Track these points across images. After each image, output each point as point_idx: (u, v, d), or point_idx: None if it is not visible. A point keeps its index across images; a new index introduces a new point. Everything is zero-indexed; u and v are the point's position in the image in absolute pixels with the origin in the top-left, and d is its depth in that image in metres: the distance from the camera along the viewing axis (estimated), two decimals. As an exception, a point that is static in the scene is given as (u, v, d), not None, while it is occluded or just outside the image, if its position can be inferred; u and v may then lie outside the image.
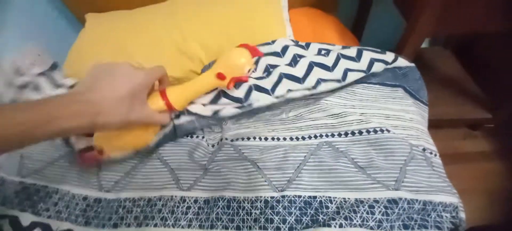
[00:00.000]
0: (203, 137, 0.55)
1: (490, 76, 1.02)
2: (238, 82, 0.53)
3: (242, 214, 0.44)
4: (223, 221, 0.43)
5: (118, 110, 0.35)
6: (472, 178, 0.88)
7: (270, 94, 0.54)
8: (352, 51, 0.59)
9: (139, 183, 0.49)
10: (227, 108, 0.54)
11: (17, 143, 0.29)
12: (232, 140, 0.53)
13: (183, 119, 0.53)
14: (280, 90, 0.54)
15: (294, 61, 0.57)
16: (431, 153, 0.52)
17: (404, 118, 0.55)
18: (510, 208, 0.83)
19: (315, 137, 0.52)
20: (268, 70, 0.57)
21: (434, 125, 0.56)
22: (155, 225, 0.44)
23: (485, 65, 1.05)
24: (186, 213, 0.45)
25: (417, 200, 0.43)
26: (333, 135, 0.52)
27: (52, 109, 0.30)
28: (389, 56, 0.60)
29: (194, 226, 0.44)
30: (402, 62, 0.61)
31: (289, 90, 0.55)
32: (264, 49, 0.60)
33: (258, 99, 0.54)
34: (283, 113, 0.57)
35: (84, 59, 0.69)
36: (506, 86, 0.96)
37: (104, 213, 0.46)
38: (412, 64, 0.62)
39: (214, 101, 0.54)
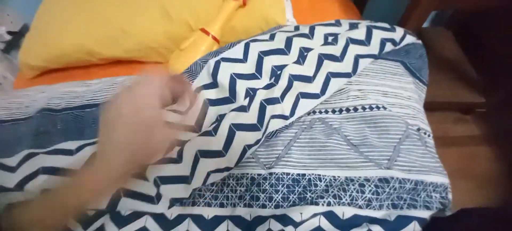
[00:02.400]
0: None
1: (487, 60, 1.00)
2: None
3: (226, 191, 0.42)
4: (206, 198, 0.41)
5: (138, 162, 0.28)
6: (460, 161, 0.89)
7: (286, 119, 0.45)
8: (361, 33, 0.53)
9: None
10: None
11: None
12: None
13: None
14: (295, 109, 0.46)
15: (302, 56, 0.50)
16: (425, 133, 0.50)
17: (402, 95, 0.52)
18: (496, 191, 0.85)
19: (309, 113, 0.49)
20: (276, 73, 0.48)
21: (428, 107, 0.54)
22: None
23: (482, 48, 1.03)
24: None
25: (408, 179, 0.41)
26: (327, 111, 0.49)
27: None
28: (398, 33, 0.56)
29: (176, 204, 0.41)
30: (409, 39, 0.57)
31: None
32: (263, 46, 0.50)
33: (273, 126, 0.45)
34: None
35: (53, 19, 0.62)
36: (501, 69, 0.94)
37: None
38: (419, 41, 0.59)
39: None
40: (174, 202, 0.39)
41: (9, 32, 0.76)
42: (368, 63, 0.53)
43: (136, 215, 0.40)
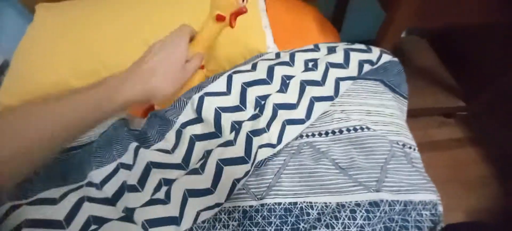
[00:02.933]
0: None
1: (464, 66, 1.05)
2: (239, 15, 0.49)
3: (218, 227, 0.41)
4: (197, 236, 0.40)
5: (171, 79, 0.40)
6: (446, 166, 0.91)
7: (274, 147, 0.46)
8: (339, 56, 0.55)
9: None
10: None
11: (92, 121, 0.34)
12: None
13: None
14: (282, 136, 0.47)
15: (284, 84, 0.50)
16: (410, 148, 0.51)
17: (384, 113, 0.54)
18: (482, 193, 0.88)
19: (296, 138, 0.50)
20: (260, 103, 0.48)
21: (411, 114, 0.57)
22: None
23: (459, 55, 1.08)
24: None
25: (398, 201, 0.42)
26: (313, 135, 0.50)
27: (112, 83, 0.36)
28: (374, 53, 0.58)
29: None
30: (386, 58, 0.59)
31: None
32: (245, 77, 0.50)
33: (262, 155, 0.45)
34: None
35: (34, 56, 0.61)
36: (479, 76, 0.99)
37: None
38: (395, 59, 0.61)
39: None
40: None
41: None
42: (349, 85, 0.54)
43: None
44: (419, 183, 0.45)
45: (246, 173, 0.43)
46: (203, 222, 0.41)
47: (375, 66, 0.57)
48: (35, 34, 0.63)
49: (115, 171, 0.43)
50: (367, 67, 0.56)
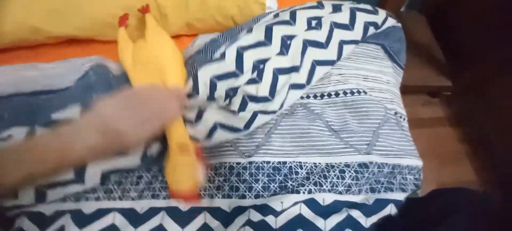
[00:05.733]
0: None
1: (454, 43, 1.05)
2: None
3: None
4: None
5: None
6: (426, 142, 0.94)
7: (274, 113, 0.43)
8: (344, 16, 0.50)
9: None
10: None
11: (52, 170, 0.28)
12: None
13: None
14: (284, 102, 0.43)
15: (285, 46, 0.44)
16: (401, 117, 0.51)
17: (381, 80, 0.52)
18: (458, 169, 0.93)
19: None
20: (258, 68, 0.42)
21: (400, 91, 0.56)
22: (97, 198, 0.37)
23: (452, 35, 1.08)
24: (137, 184, 0.39)
25: (386, 164, 0.42)
26: (309, 97, 0.48)
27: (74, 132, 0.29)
28: (380, 16, 0.54)
29: (146, 197, 0.38)
30: (390, 22, 0.56)
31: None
32: (243, 42, 0.43)
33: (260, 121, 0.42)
34: None
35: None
36: (467, 54, 1.00)
37: None
38: (399, 24, 0.58)
39: None
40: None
41: None
42: (351, 49, 0.51)
43: (102, 212, 0.36)
44: (407, 148, 0.45)
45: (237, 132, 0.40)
46: None
47: (379, 29, 0.54)
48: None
49: None
50: (371, 31, 0.52)
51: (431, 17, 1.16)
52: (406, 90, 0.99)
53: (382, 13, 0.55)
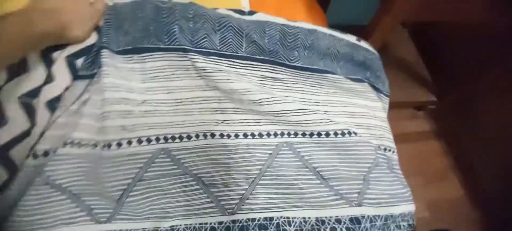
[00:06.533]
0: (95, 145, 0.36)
1: (441, 61, 1.07)
2: None
3: (181, 248, 0.35)
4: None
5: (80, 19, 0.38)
6: (412, 158, 0.95)
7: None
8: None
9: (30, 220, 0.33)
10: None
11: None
12: (162, 139, 0.39)
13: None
14: None
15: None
16: (390, 151, 0.49)
17: (368, 115, 0.50)
18: (443, 186, 0.94)
19: (275, 134, 0.44)
20: None
21: None
22: None
23: (437, 50, 1.09)
24: None
25: (379, 215, 0.40)
26: (296, 134, 0.44)
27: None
28: (350, 38, 0.54)
29: None
30: (364, 45, 0.55)
31: None
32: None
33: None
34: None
35: None
36: (453, 74, 1.01)
37: None
38: (375, 52, 0.57)
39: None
40: None
41: None
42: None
43: None
44: (399, 193, 0.43)
45: None
46: None
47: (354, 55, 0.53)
48: None
49: None
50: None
51: (413, 30, 1.18)
52: (390, 106, 1.00)
53: (351, 37, 0.54)
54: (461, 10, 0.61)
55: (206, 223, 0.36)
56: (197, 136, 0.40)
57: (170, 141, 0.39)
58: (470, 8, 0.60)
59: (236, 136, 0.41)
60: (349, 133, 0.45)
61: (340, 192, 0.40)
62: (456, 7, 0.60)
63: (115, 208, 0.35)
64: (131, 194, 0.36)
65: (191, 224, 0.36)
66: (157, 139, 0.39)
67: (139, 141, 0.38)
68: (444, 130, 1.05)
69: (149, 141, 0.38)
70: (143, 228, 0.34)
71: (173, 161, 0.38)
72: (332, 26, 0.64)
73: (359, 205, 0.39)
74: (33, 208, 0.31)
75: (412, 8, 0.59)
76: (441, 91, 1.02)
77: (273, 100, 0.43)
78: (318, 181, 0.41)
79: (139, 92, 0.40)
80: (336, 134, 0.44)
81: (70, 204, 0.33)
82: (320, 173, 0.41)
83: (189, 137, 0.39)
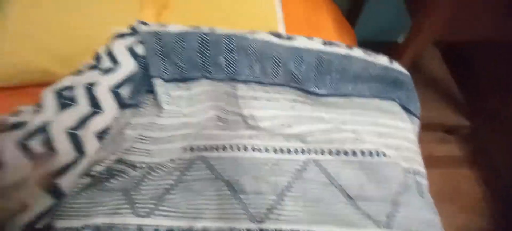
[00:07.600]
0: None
1: (474, 84, 1.02)
2: None
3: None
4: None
5: None
6: (442, 183, 0.91)
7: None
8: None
9: (80, 207, 0.38)
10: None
11: None
12: (202, 149, 0.43)
13: None
14: None
15: None
16: (420, 175, 0.48)
17: (397, 135, 0.49)
18: (477, 215, 0.88)
19: (303, 151, 0.45)
20: None
21: None
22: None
23: (471, 72, 1.04)
24: None
25: (408, 243, 0.39)
26: (323, 152, 0.45)
27: None
28: (383, 60, 0.54)
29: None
30: (396, 66, 0.54)
31: None
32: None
33: None
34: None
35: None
36: (487, 97, 0.96)
37: None
38: (407, 74, 0.56)
39: None
40: None
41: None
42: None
43: None
44: (429, 219, 0.42)
45: None
46: None
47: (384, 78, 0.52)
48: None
49: None
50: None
51: (446, 50, 1.13)
52: (421, 128, 0.96)
53: (383, 58, 0.54)
54: (494, 28, 0.58)
55: (235, 228, 0.38)
56: (231, 148, 0.43)
57: (208, 151, 0.42)
58: (506, 27, 0.58)
59: (266, 150, 0.43)
60: (377, 154, 0.44)
61: (367, 212, 0.40)
62: (489, 25, 0.57)
63: (156, 204, 0.38)
64: (171, 192, 0.39)
65: (221, 227, 0.38)
66: (198, 149, 0.43)
67: (184, 149, 0.43)
68: (477, 156, 0.99)
69: (192, 149, 0.43)
70: (178, 226, 0.37)
71: (208, 168, 0.41)
72: (360, 42, 0.64)
73: (388, 227, 0.39)
74: (82, 195, 0.36)
75: (444, 27, 0.58)
76: (474, 114, 0.97)
77: (302, 122, 0.46)
78: (345, 199, 0.41)
79: (190, 117, 0.46)
80: (363, 153, 0.45)
81: (121, 196, 0.36)
82: (347, 191, 0.42)
83: (224, 148, 0.43)
